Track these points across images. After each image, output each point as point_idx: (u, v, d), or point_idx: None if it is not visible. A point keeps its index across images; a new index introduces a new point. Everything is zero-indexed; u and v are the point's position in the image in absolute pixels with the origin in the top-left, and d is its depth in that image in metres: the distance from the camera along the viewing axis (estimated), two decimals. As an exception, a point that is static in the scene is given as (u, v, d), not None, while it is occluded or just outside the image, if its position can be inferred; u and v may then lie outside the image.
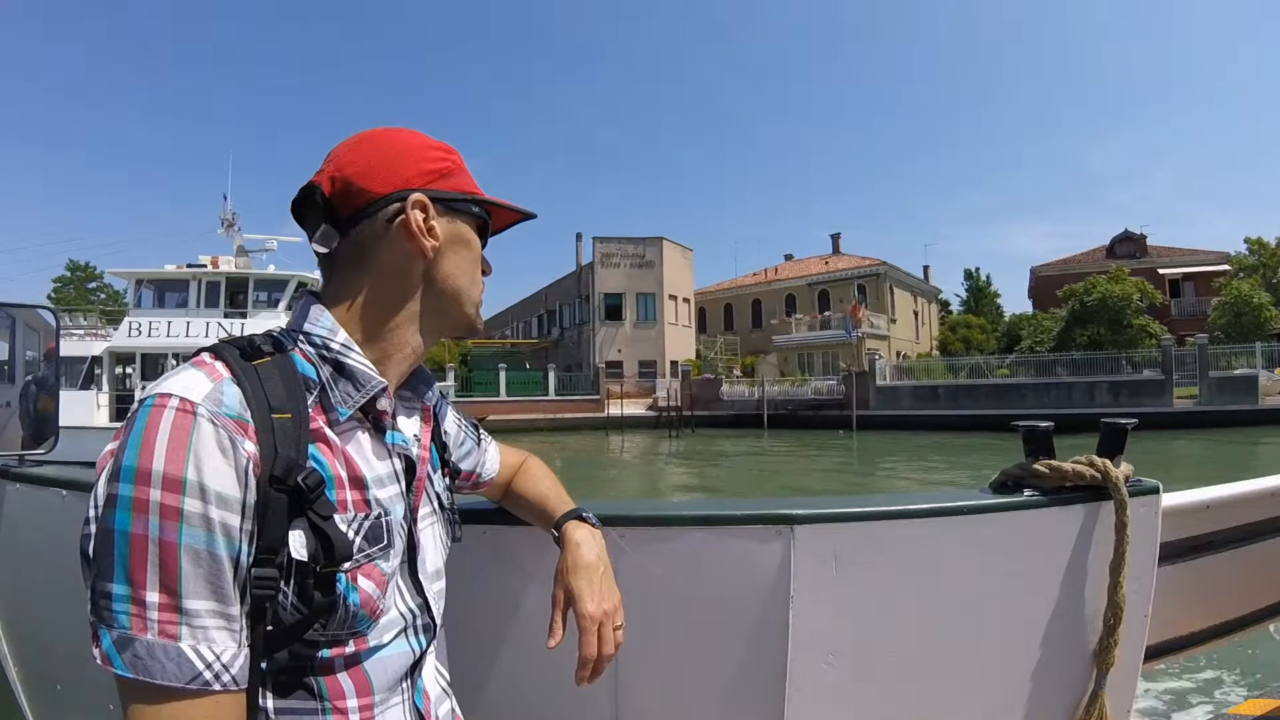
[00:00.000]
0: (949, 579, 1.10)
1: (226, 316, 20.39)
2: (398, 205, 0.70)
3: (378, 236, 0.70)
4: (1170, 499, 1.27)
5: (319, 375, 0.67)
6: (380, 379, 0.69)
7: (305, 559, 0.60)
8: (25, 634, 1.51)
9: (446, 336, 0.80)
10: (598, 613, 0.80)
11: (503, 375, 31.93)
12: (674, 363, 35.50)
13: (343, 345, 0.68)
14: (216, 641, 0.55)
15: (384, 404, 0.71)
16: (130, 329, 19.61)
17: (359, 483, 0.67)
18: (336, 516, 0.63)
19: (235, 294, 21.15)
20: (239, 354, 0.63)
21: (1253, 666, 3.24)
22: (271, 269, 22.25)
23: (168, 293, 21.09)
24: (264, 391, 0.61)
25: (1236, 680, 3.15)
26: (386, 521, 0.69)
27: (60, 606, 1.40)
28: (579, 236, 40.03)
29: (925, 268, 47.93)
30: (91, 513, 0.57)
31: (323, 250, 0.70)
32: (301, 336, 0.68)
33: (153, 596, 0.53)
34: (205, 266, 21.11)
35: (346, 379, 0.67)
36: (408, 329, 0.73)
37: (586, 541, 0.87)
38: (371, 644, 0.68)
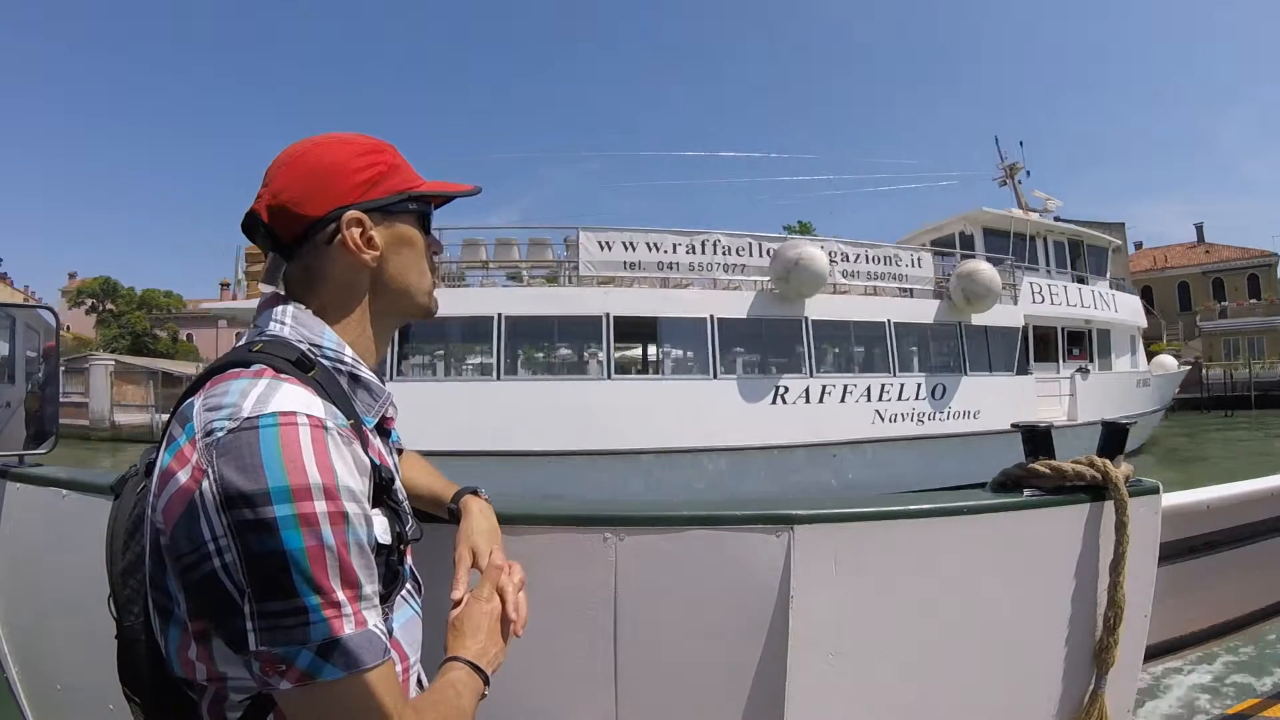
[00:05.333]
0: (949, 579, 1.10)
1: (1083, 283, 14.90)
2: (334, 225, 0.73)
3: (323, 257, 0.74)
4: (1170, 499, 1.27)
5: (343, 386, 0.72)
6: (387, 390, 0.77)
7: (390, 541, 0.69)
8: (25, 634, 1.51)
9: (401, 324, 0.86)
10: (502, 563, 0.87)
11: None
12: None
13: (353, 360, 0.74)
14: (377, 614, 0.62)
15: (391, 411, 0.79)
16: (1048, 292, 13.46)
17: (392, 475, 0.75)
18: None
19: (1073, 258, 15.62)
20: (293, 366, 0.67)
21: (1253, 666, 3.24)
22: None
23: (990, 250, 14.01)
24: (333, 402, 0.67)
25: (1236, 680, 3.14)
26: (407, 505, 0.78)
27: (60, 606, 1.40)
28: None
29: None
30: (215, 545, 0.57)
31: (270, 289, 0.74)
32: (315, 349, 0.72)
33: (342, 595, 0.58)
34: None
35: (364, 389, 0.74)
36: (366, 332, 0.78)
37: (484, 511, 0.96)
38: (408, 609, 0.77)
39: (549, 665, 1.05)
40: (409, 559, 0.79)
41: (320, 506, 0.57)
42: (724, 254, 10.83)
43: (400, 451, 0.95)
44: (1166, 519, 1.21)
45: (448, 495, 1.00)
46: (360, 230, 0.74)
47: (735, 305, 10.45)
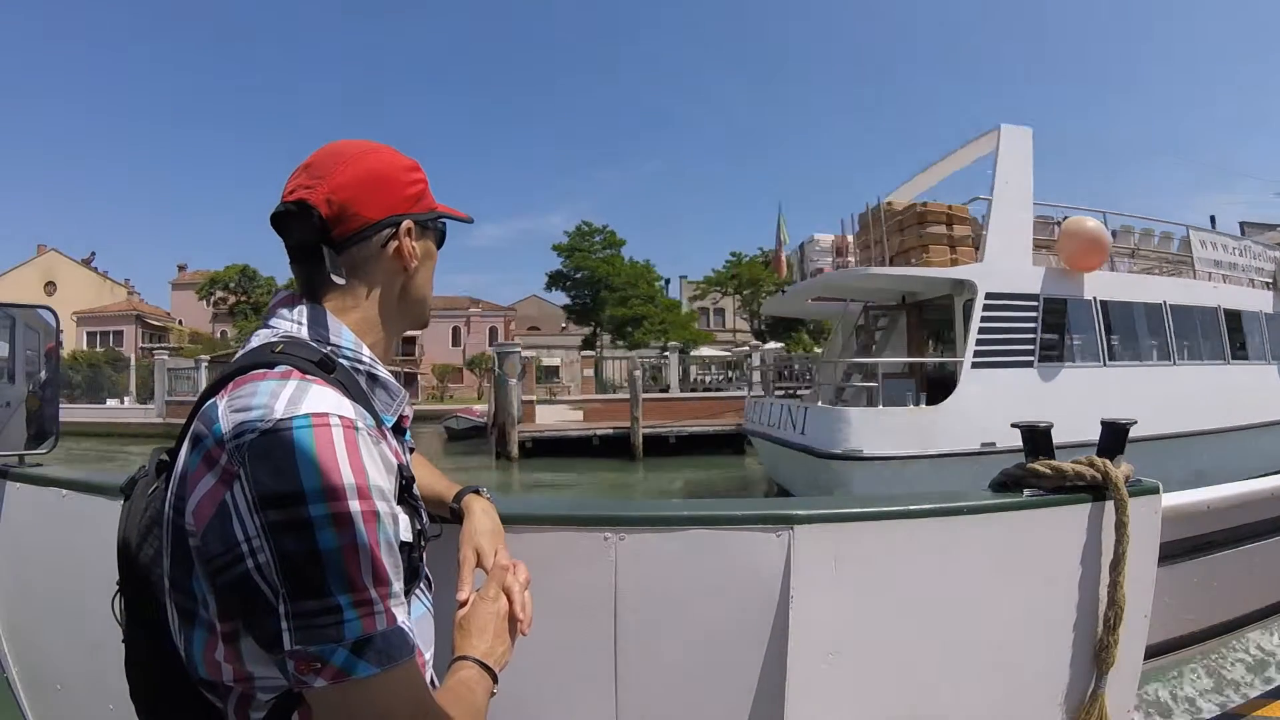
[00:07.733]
0: (949, 579, 1.10)
1: None
2: (390, 230, 0.77)
3: (370, 258, 0.77)
4: (1170, 499, 1.27)
5: (362, 386, 0.73)
6: (403, 389, 0.78)
7: (411, 539, 0.70)
8: (25, 634, 1.52)
9: (405, 331, 0.88)
10: (508, 563, 0.88)
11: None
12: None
13: (371, 359, 0.76)
14: (404, 610, 0.63)
15: (407, 410, 0.81)
16: None
17: (412, 474, 0.78)
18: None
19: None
20: (316, 367, 0.68)
21: (1253, 666, 3.23)
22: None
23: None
24: (357, 402, 0.68)
25: (1236, 680, 3.14)
26: (421, 503, 0.80)
27: (60, 606, 1.40)
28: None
29: None
30: (248, 546, 0.58)
31: (340, 282, 0.74)
32: (334, 350, 0.73)
33: (374, 593, 0.59)
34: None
35: (381, 389, 0.76)
36: (388, 336, 0.81)
37: (487, 511, 0.98)
38: (421, 606, 0.78)
39: (548, 664, 1.05)
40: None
41: (354, 506, 0.58)
42: (1255, 258, 13.07)
43: (411, 451, 0.95)
44: (1166, 519, 1.21)
45: (450, 495, 1.00)
46: (409, 240, 0.78)
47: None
